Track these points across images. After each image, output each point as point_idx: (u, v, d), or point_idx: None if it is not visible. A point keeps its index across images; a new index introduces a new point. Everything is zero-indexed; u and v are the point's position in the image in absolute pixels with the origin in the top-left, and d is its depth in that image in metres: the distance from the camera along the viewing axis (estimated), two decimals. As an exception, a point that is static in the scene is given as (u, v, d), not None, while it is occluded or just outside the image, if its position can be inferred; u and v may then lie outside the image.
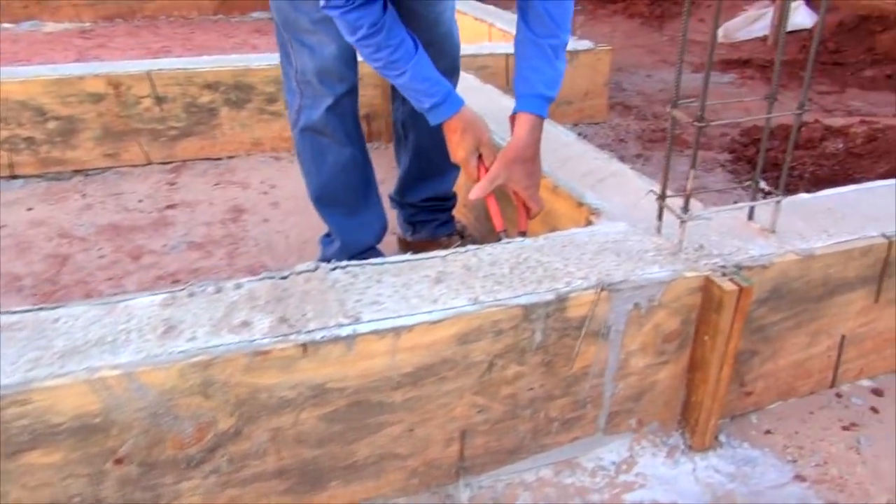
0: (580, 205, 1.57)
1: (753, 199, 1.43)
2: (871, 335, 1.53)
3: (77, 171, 2.72)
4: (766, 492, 1.31)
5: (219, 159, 2.90)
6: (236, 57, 2.96)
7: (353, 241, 1.83)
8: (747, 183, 1.42)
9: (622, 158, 3.09)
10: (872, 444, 1.43)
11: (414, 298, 1.16)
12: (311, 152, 1.76)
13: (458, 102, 1.53)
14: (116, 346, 1.01)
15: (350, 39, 1.46)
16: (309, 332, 1.06)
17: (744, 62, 4.58)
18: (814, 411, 1.52)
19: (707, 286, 1.25)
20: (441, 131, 1.94)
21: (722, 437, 1.43)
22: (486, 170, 1.56)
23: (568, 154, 1.86)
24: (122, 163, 2.76)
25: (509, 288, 1.19)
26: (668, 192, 1.35)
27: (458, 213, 2.30)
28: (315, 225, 2.06)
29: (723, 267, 1.27)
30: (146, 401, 0.99)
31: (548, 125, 2.09)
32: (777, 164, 2.85)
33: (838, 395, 1.57)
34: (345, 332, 1.07)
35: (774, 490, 1.32)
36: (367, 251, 1.83)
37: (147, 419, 1.00)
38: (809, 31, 4.89)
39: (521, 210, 1.59)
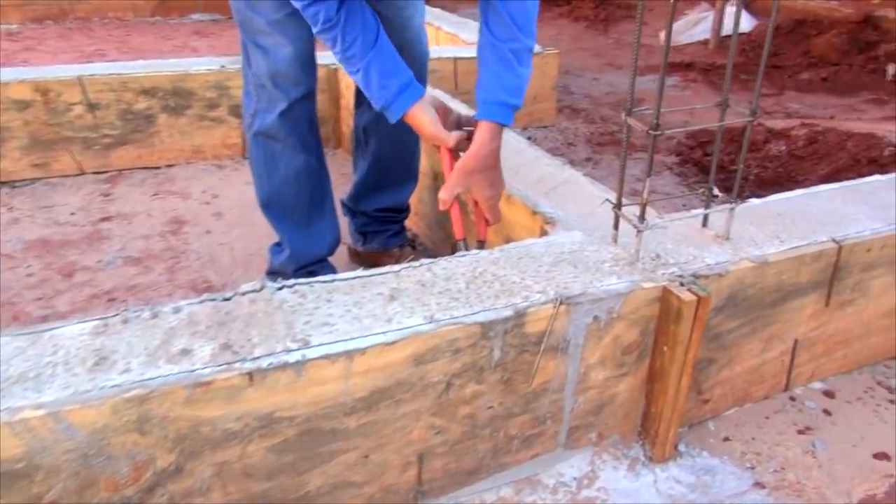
0: (534, 213, 1.54)
1: (707, 206, 1.42)
2: (822, 338, 1.54)
3: (2, 183, 2.56)
4: (727, 502, 1.30)
5: (157, 168, 2.78)
6: (175, 61, 2.84)
7: (303, 251, 1.76)
8: (700, 189, 1.41)
9: (572, 162, 3.10)
10: (827, 447, 1.44)
11: (367, 318, 1.10)
12: (262, 157, 1.69)
13: (414, 97, 1.46)
14: (41, 382, 0.93)
15: (314, 31, 1.43)
16: (255, 359, 0.99)
17: (686, 65, 4.67)
18: (769, 416, 1.53)
19: (665, 296, 1.24)
20: (403, 143, 1.88)
21: (681, 447, 1.42)
22: (452, 162, 1.51)
23: (520, 161, 1.83)
24: (52, 173, 2.61)
25: (466, 304, 1.15)
26: (624, 201, 1.33)
27: (410, 222, 2.25)
28: (261, 236, 1.98)
29: (680, 276, 1.26)
30: (75, 442, 0.91)
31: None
32: (723, 166, 2.90)
33: (792, 399, 1.58)
34: (293, 357, 1.00)
35: (735, 499, 1.31)
36: (318, 263, 1.77)
37: (77, 461, 0.92)
38: (749, 34, 5.02)
39: (479, 219, 1.55)
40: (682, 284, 1.24)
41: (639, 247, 1.28)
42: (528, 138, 3.21)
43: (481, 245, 1.51)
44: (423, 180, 2.13)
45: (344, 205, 2.05)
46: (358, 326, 1.08)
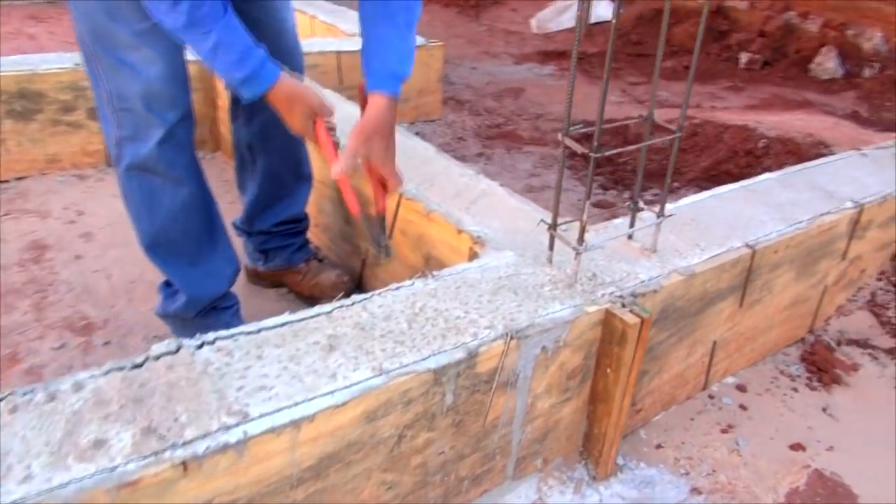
0: (460, 232, 1.47)
1: (633, 221, 1.42)
2: (735, 337, 1.61)
3: None
4: (670, 512, 1.32)
5: (5, 182, 2.43)
6: (18, 59, 2.47)
7: (201, 292, 1.56)
8: (627, 203, 1.40)
9: (463, 158, 3.07)
10: (749, 444, 1.50)
11: (308, 376, 0.99)
12: (140, 195, 1.46)
13: (275, 71, 1.30)
14: (-87, 508, 0.74)
15: None
16: (187, 443, 0.86)
17: (559, 53, 4.77)
18: (693, 417, 1.57)
19: (608, 319, 1.22)
20: (291, 148, 1.75)
21: (619, 459, 1.43)
22: (329, 134, 1.40)
23: (432, 171, 1.75)
24: None
25: (413, 348, 1.06)
26: (558, 219, 1.29)
27: (312, 234, 2.11)
28: (142, 259, 1.76)
29: (620, 297, 1.24)
30: (-31, 578, 0.73)
31: (405, 137, 1.98)
32: (610, 159, 2.97)
33: (710, 397, 1.64)
34: (234, 436, 0.87)
35: (677, 509, 1.33)
36: (220, 298, 1.59)
37: None
38: (614, 22, 5.21)
39: (378, 189, 1.45)
40: (623, 306, 1.22)
41: (577, 269, 1.25)
42: (417, 133, 3.14)
43: (382, 218, 1.44)
44: (323, 190, 2.00)
45: (237, 227, 1.88)
46: (300, 387, 0.96)
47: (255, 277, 1.95)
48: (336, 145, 1.43)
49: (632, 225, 1.41)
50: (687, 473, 1.42)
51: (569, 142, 1.19)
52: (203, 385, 0.95)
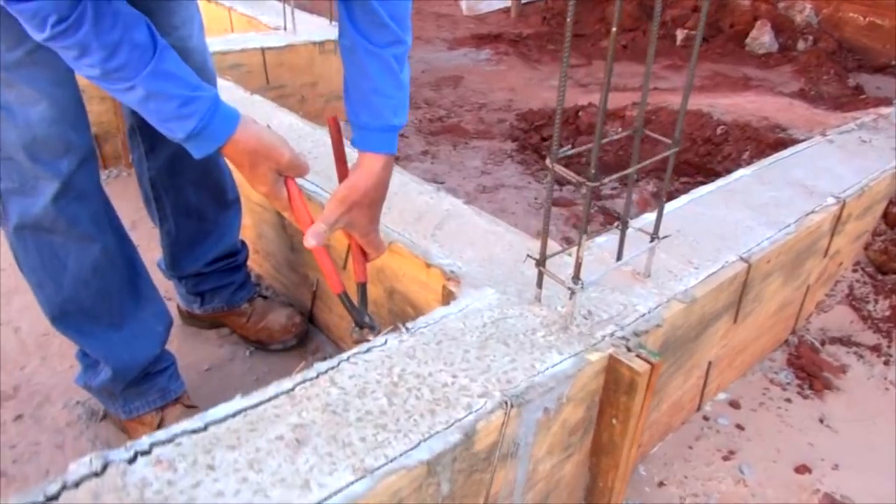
0: (428, 266, 1.29)
1: (622, 243, 1.26)
2: (728, 353, 1.50)
3: None
4: (685, 565, 1.20)
5: None
6: None
7: (128, 360, 1.30)
8: (615, 223, 1.24)
9: (409, 157, 2.88)
10: (753, 471, 1.40)
11: (275, 488, 0.80)
12: (39, 258, 1.18)
13: (231, 120, 1.03)
14: None
15: (38, 38, 0.89)
16: None
17: (495, 36, 4.60)
18: (692, 444, 1.45)
19: (612, 366, 1.07)
20: (209, 178, 1.49)
21: (622, 506, 1.29)
22: (302, 196, 1.15)
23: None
24: None
25: (398, 433, 0.88)
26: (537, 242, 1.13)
27: (253, 262, 1.89)
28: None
29: (623, 339, 1.09)
30: None
31: (350, 149, 1.77)
32: (561, 146, 2.83)
33: (705, 418, 1.53)
34: None
35: (692, 560, 1.21)
36: (152, 363, 1.35)
37: None
38: (546, 1, 5.08)
39: (357, 257, 1.23)
40: (628, 349, 1.08)
41: (573, 309, 1.10)
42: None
43: (363, 288, 1.22)
44: (262, 214, 1.78)
45: (163, 269, 1.64)
46: (267, 507, 0.77)
47: (191, 319, 1.71)
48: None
49: (620, 249, 1.26)
50: (695, 514, 1.30)
51: (560, 169, 1.02)
52: (141, 519, 0.75)
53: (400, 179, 1.62)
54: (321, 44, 2.85)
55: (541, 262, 1.12)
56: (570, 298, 1.08)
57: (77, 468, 0.80)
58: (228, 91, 2.15)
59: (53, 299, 1.22)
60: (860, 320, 1.83)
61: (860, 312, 1.85)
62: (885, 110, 2.38)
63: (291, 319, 1.63)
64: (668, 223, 1.46)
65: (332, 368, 0.99)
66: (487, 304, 1.15)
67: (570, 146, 1.07)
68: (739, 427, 1.51)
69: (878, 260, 1.94)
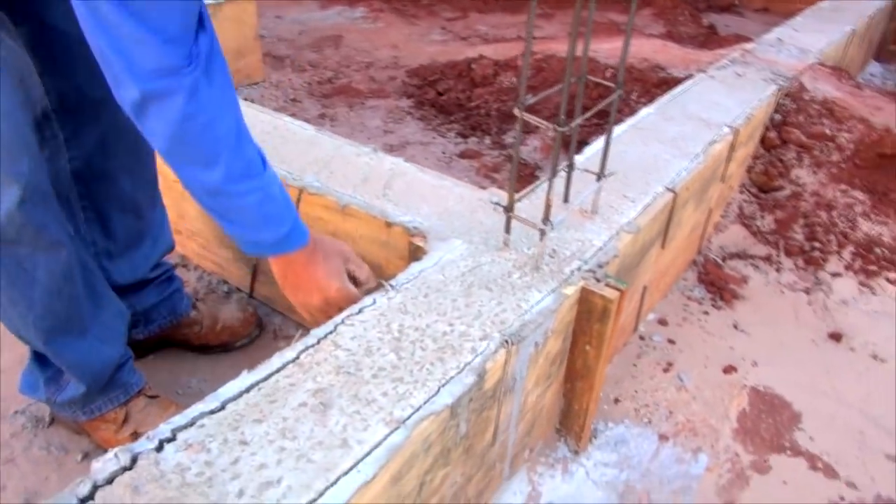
0: (389, 225, 1.31)
1: (568, 182, 1.34)
2: (656, 276, 1.64)
3: None
4: (652, 468, 1.33)
5: None
6: None
7: (98, 368, 1.20)
8: (564, 165, 1.31)
9: (307, 122, 2.81)
10: (689, 377, 1.56)
11: (315, 451, 0.81)
12: (7, 276, 1.04)
13: (304, 227, 1.10)
14: None
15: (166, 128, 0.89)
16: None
17: (366, -7, 4.52)
18: (635, 362, 1.60)
19: (585, 297, 1.15)
20: (143, 159, 1.33)
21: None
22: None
23: (322, 155, 1.54)
24: None
25: (416, 383, 0.92)
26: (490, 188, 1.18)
27: (179, 246, 1.80)
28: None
29: (591, 272, 1.18)
30: None
31: (272, 117, 1.72)
32: (460, 104, 2.89)
33: (641, 338, 1.67)
34: (267, 563, 0.69)
35: (656, 463, 1.35)
36: (121, 365, 1.27)
37: None
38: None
39: None
40: (597, 280, 1.17)
41: (543, 250, 1.17)
42: (245, 99, 2.80)
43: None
44: (179, 188, 1.69)
45: None
46: (314, 470, 0.79)
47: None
48: None
49: (568, 191, 1.33)
50: (650, 422, 1.44)
51: (528, 116, 1.07)
52: (192, 502, 0.74)
53: (332, 143, 1.61)
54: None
55: (509, 209, 1.17)
56: (541, 239, 1.15)
57: (103, 466, 0.77)
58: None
59: (31, 317, 1.08)
60: (751, 235, 2.06)
61: (751, 228, 2.08)
62: (748, 46, 2.63)
63: (246, 309, 1.55)
64: (595, 163, 1.57)
65: (331, 333, 1.00)
66: (459, 255, 1.20)
67: (531, 95, 1.11)
68: (671, 342, 1.67)
69: (759, 181, 2.18)
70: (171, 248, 1.47)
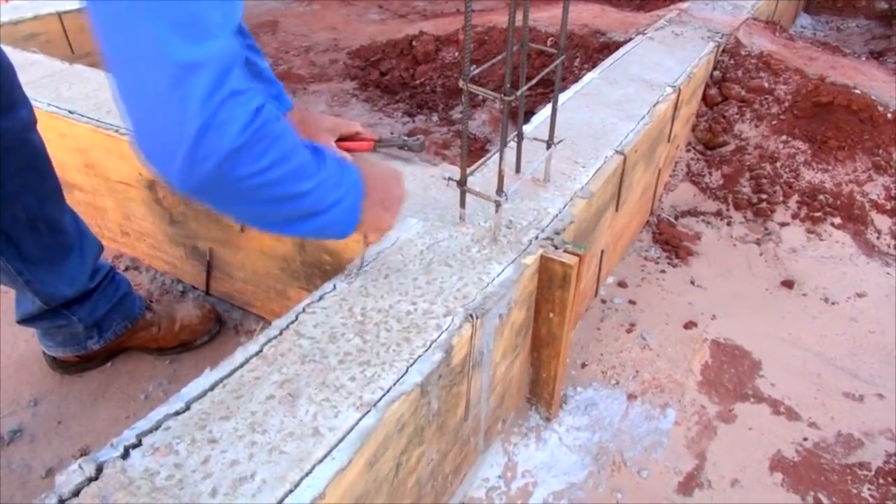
0: (343, 209, 1.28)
1: (519, 153, 1.34)
2: (612, 239, 1.66)
3: None
4: (622, 427, 1.36)
5: None
6: None
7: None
8: (513, 136, 1.31)
9: (249, 112, 2.75)
10: (652, 335, 1.59)
11: (288, 442, 0.80)
12: None
13: (352, 168, 0.96)
14: None
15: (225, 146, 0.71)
16: None
17: (299, -24, 4.41)
18: (598, 326, 1.62)
19: (545, 265, 1.16)
20: (42, 171, 1.23)
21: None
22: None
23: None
24: None
25: (383, 365, 0.91)
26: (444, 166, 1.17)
27: (127, 246, 1.74)
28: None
29: (548, 240, 1.19)
30: None
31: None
32: (404, 83, 2.86)
33: (603, 301, 1.70)
34: (248, 560, 0.67)
35: (625, 422, 1.37)
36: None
37: None
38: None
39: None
40: (556, 247, 1.17)
41: (499, 222, 1.16)
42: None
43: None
44: (128, 192, 1.64)
45: (26, 320, 1.36)
46: (287, 461, 0.77)
47: (81, 364, 1.46)
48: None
49: (518, 161, 1.33)
50: (617, 383, 1.47)
51: (473, 87, 1.06)
52: (164, 507, 0.72)
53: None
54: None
55: (462, 183, 1.16)
56: (497, 211, 1.15)
57: (67, 479, 0.74)
58: (40, 65, 1.91)
59: None
60: (701, 192, 2.10)
61: (699, 185, 2.12)
62: (683, 5, 2.66)
63: (203, 306, 1.52)
64: (543, 131, 1.57)
65: (293, 322, 0.98)
66: (416, 233, 1.19)
67: (475, 66, 1.10)
68: (632, 302, 1.70)
69: (704, 138, 2.21)
70: (100, 248, 1.40)
